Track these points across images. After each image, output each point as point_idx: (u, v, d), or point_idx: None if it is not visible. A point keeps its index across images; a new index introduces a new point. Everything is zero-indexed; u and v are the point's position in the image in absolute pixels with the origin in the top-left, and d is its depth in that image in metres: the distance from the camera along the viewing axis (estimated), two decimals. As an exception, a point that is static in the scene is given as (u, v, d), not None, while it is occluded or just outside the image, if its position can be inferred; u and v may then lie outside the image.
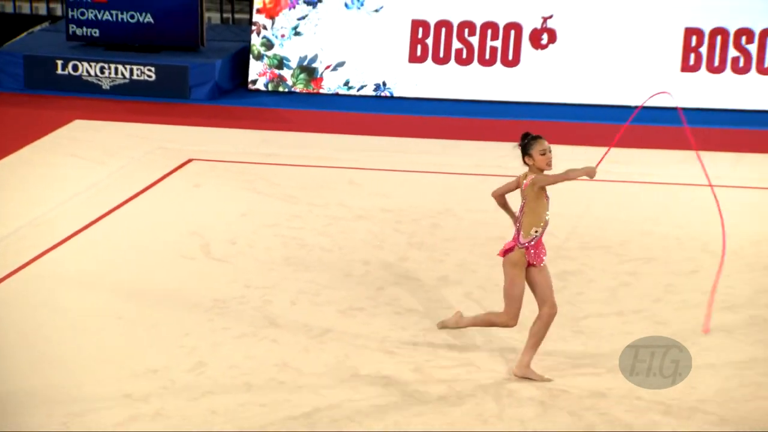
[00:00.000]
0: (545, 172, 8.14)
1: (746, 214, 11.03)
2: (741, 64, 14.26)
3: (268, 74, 15.09)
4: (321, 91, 14.99)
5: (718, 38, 14.26)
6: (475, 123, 13.98)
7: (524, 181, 8.15)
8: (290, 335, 8.96)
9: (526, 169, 8.20)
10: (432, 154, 12.93)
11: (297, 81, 15.04)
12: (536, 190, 8.10)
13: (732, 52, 14.27)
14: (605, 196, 11.53)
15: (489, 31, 14.71)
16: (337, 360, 8.61)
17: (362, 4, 14.92)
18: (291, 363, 8.56)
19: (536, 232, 8.12)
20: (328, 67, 15.00)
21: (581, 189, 11.84)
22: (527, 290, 8.20)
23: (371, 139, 13.50)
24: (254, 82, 15.11)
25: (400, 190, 11.88)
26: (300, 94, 15.01)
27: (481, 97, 14.63)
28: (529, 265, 8.15)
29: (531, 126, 13.65)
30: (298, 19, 15.06)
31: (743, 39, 14.21)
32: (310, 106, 14.69)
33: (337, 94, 14.94)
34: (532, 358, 8.23)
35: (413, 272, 10.05)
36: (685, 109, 14.11)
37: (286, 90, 15.05)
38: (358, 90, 14.91)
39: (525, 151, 8.16)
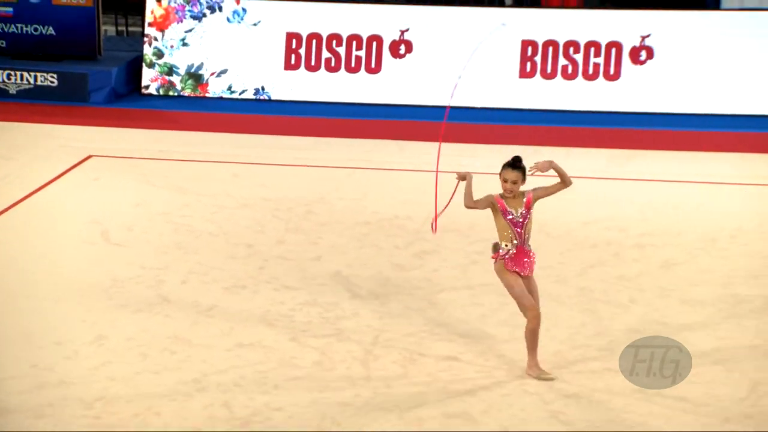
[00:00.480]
0: (506, 198, 7.73)
1: (576, 200, 11.15)
2: (569, 71, 14.40)
3: (159, 80, 14.86)
4: (207, 95, 14.82)
5: (550, 49, 14.38)
6: (343, 122, 13.94)
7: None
8: (181, 310, 8.83)
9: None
10: (306, 150, 12.86)
11: (185, 86, 14.84)
12: (492, 211, 7.79)
13: (562, 61, 14.39)
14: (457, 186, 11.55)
15: (354, 43, 14.66)
16: (222, 332, 8.51)
17: (242, 19, 14.77)
18: (182, 335, 8.44)
19: (506, 246, 7.74)
20: (212, 73, 14.83)
21: (434, 179, 11.88)
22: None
23: (252, 137, 13.39)
24: (147, 87, 14.88)
25: (278, 181, 11.79)
26: (188, 97, 14.82)
27: (348, 99, 14.58)
28: (515, 272, 7.73)
29: (390, 125, 13.74)
30: (186, 32, 14.86)
31: (571, 50, 14.35)
32: (197, 108, 14.52)
33: (221, 98, 14.78)
34: (535, 358, 7.80)
35: (290, 253, 9.97)
36: (522, 110, 14.28)
37: (176, 94, 14.85)
38: (239, 94, 14.76)
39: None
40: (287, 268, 9.65)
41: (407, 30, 14.58)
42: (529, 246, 7.80)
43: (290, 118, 14.15)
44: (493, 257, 7.86)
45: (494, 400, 7.58)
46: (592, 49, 14.37)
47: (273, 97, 14.73)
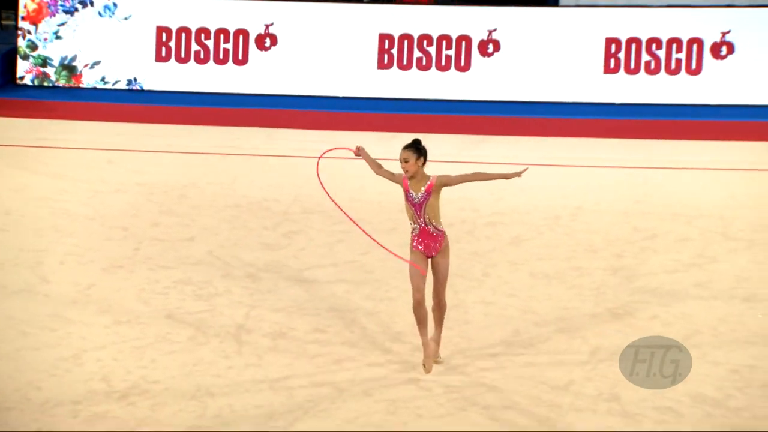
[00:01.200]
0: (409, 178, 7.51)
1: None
2: (424, 62, 14.49)
3: (34, 71, 14.49)
4: (81, 85, 14.49)
5: (406, 42, 14.44)
6: (213, 111, 13.77)
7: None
8: (60, 289, 8.65)
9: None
10: (178, 138, 12.70)
11: (60, 77, 14.50)
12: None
13: (416, 53, 14.47)
14: (321, 170, 11.54)
15: (222, 36, 14.49)
16: (100, 309, 8.36)
17: (113, 13, 14.48)
18: (61, 313, 8.26)
19: (411, 225, 7.58)
20: (86, 65, 14.51)
21: (300, 163, 11.85)
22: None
23: (125, 125, 13.17)
24: (22, 78, 14.50)
25: (152, 167, 11.62)
26: (63, 88, 14.48)
27: (217, 90, 14.42)
28: (420, 251, 7.54)
29: (258, 114, 13.64)
30: (59, 25, 14.52)
31: (425, 42, 14.43)
32: (72, 98, 14.18)
33: (95, 88, 14.48)
34: (436, 337, 7.58)
35: (164, 235, 9.83)
36: (380, 99, 14.30)
37: (51, 85, 14.49)
38: (113, 84, 14.48)
39: None
40: (161, 249, 9.52)
41: (272, 24, 14.48)
42: (436, 228, 7.56)
43: (162, 107, 13.93)
44: None
45: (359, 369, 7.59)
46: (444, 42, 14.47)
47: (145, 88, 14.48)
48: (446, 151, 12.24)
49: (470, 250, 9.67)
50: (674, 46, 14.28)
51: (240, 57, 14.53)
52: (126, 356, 7.68)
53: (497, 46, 14.42)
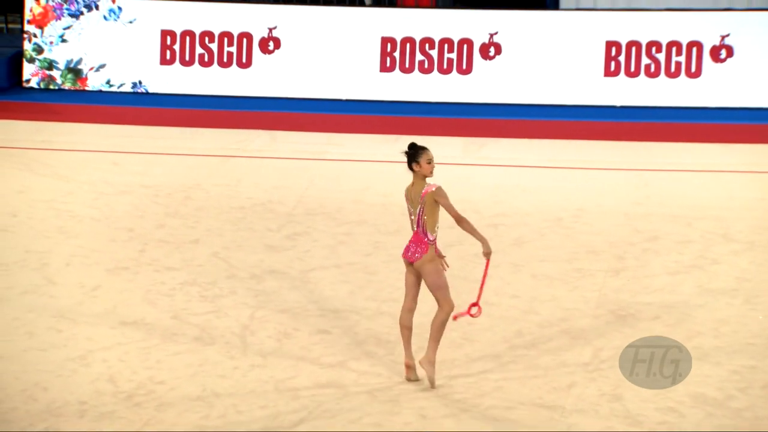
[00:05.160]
0: (428, 179, 7.34)
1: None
2: (426, 66, 14.46)
3: (40, 74, 14.49)
4: (87, 88, 14.49)
5: (408, 45, 14.44)
6: (217, 113, 13.76)
7: (422, 190, 7.31)
8: (66, 291, 8.62)
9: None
10: (182, 140, 12.69)
11: (65, 80, 14.49)
12: (432, 202, 7.33)
13: (419, 56, 14.46)
14: (325, 172, 11.55)
15: (225, 40, 14.49)
16: (106, 311, 8.33)
17: (118, 17, 14.48)
18: (67, 314, 8.23)
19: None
20: (91, 68, 14.50)
21: (305, 166, 11.85)
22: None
23: (130, 128, 13.17)
24: (28, 81, 14.50)
25: (157, 169, 11.60)
26: (68, 91, 14.47)
27: (221, 92, 14.40)
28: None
29: (261, 116, 13.61)
30: (64, 29, 14.52)
31: (426, 46, 14.42)
32: (78, 101, 14.18)
33: (100, 91, 14.47)
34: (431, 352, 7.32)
35: (170, 236, 9.81)
36: (383, 102, 14.29)
37: (57, 87, 14.49)
38: (118, 87, 14.47)
39: (413, 159, 7.33)
40: (167, 251, 9.49)
41: (275, 27, 14.47)
42: (426, 235, 7.35)
43: (167, 109, 13.92)
44: None
45: (364, 369, 7.56)
46: (446, 45, 14.45)
47: (150, 90, 14.46)
48: (449, 154, 12.21)
49: (472, 252, 9.62)
50: (674, 49, 14.25)
51: (244, 60, 14.51)
52: (132, 357, 7.65)
53: (498, 49, 14.39)
